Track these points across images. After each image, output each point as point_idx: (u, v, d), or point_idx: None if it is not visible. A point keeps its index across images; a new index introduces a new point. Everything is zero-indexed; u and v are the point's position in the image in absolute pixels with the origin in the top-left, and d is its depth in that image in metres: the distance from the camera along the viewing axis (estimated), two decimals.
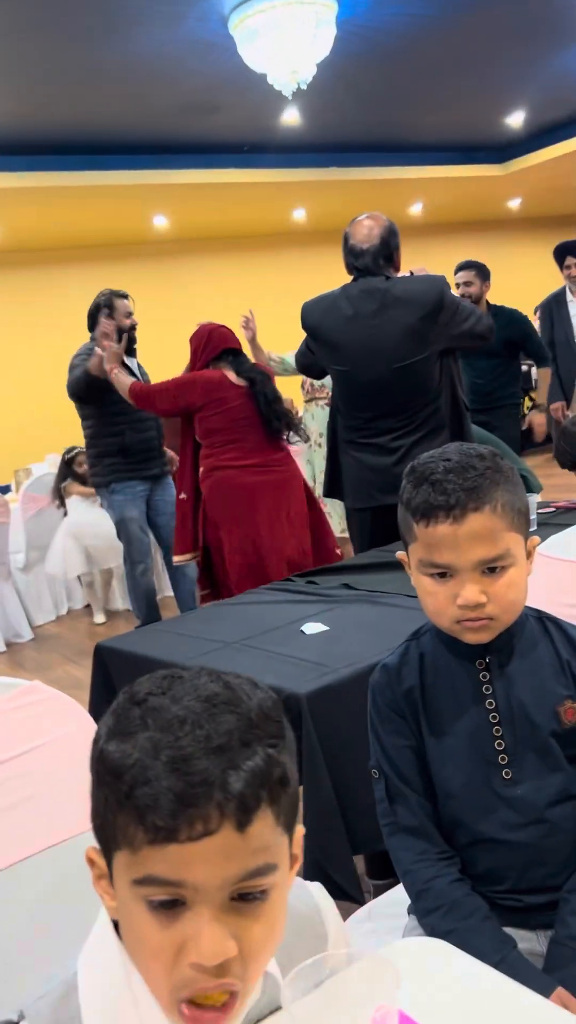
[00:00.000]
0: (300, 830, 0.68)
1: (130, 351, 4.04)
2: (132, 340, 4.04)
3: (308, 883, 0.83)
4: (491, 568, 1.08)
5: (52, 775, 1.19)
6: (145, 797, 0.60)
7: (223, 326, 3.50)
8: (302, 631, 1.96)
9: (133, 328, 4.07)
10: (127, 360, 4.00)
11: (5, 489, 6.34)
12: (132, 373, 3.93)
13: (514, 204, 10.87)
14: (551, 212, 12.08)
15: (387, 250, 2.74)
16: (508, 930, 1.10)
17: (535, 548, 1.16)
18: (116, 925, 0.71)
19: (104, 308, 4.04)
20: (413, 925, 1.18)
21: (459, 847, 1.15)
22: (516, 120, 8.04)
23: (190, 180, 7.28)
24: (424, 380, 2.72)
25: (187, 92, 5.84)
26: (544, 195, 10.57)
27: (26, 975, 1.03)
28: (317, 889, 0.84)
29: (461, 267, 4.49)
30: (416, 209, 10.03)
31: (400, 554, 1.20)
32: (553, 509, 2.73)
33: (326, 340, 2.78)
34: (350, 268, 2.76)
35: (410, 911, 1.22)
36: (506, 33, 5.76)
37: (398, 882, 1.95)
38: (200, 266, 9.50)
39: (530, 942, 1.12)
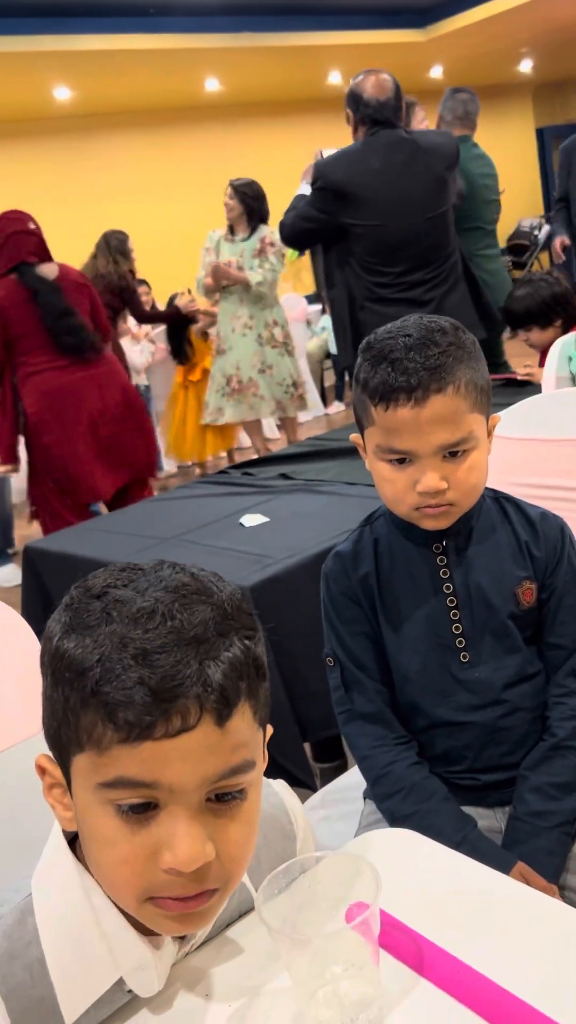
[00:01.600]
0: (269, 729, 0.64)
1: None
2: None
3: (272, 781, 0.79)
4: (452, 452, 1.02)
5: None
6: (115, 692, 0.55)
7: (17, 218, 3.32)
8: (241, 523, 1.91)
9: None
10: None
11: None
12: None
13: (436, 73, 10.44)
14: (475, 81, 11.65)
15: (399, 103, 2.80)
16: (467, 809, 1.10)
17: (495, 427, 1.10)
18: (70, 840, 0.67)
19: None
20: (371, 810, 1.17)
21: (416, 730, 1.14)
22: None
23: (92, 46, 6.73)
24: (448, 230, 2.87)
25: None
26: (467, 63, 10.17)
27: None
28: (281, 787, 0.80)
29: None
30: (334, 79, 9.55)
31: (354, 436, 1.14)
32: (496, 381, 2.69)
33: (354, 194, 2.72)
34: (366, 120, 2.77)
35: (366, 796, 1.21)
36: None
37: (345, 765, 1.99)
38: (108, 141, 8.91)
39: (488, 819, 1.13)
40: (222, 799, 0.59)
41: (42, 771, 0.64)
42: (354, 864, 0.65)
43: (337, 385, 7.38)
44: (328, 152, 3.03)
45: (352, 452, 2.25)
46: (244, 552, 1.68)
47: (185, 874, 0.56)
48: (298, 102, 10.05)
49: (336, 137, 4.89)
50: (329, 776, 1.62)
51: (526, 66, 11.56)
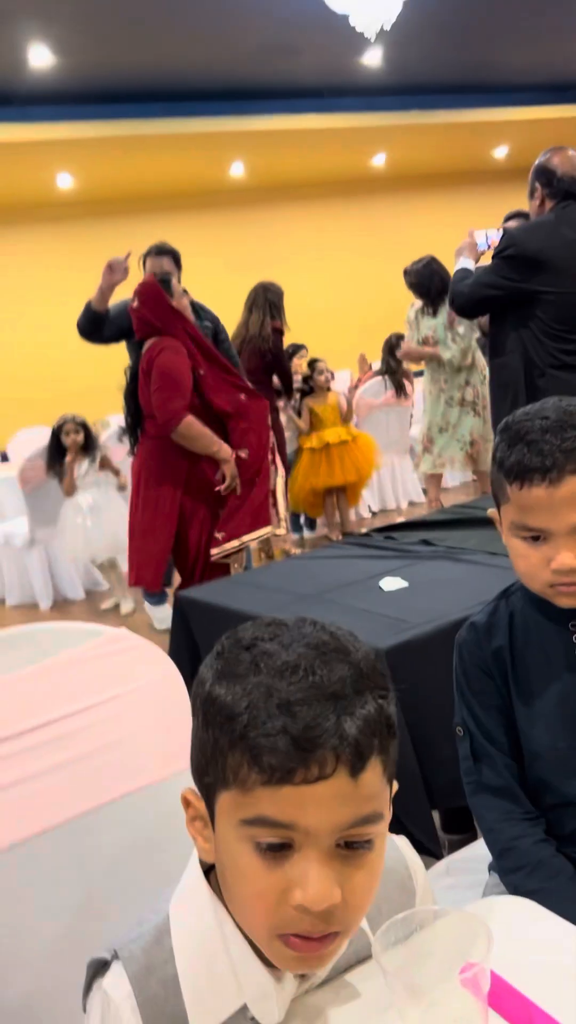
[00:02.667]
0: (395, 785, 0.68)
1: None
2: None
3: (395, 836, 0.83)
4: None
5: (136, 722, 1.21)
6: (261, 738, 0.60)
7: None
8: (380, 586, 1.95)
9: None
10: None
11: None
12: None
13: None
14: None
15: None
16: None
17: None
18: (205, 871, 0.72)
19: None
20: (494, 883, 1.17)
21: (545, 808, 1.14)
22: None
23: (268, 126, 7.15)
24: None
25: (267, 34, 5.71)
26: None
27: (108, 917, 1.05)
28: (404, 843, 0.83)
29: (510, 217, 4.26)
30: (500, 153, 9.67)
31: (492, 511, 1.17)
32: None
33: (548, 262, 2.85)
34: (557, 194, 2.89)
35: (491, 868, 1.21)
36: None
37: (474, 837, 1.96)
38: (276, 214, 9.36)
39: None
40: (351, 847, 0.63)
41: (187, 804, 0.70)
42: (471, 923, 0.67)
43: None
44: (480, 233, 3.12)
45: (493, 522, 2.27)
46: (382, 615, 1.72)
47: (313, 913, 0.61)
48: (462, 174, 10.22)
49: (498, 209, 4.96)
50: (456, 847, 1.61)
51: None
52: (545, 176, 2.89)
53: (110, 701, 1.20)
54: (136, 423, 3.33)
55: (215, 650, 0.68)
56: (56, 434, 4.51)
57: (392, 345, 6.55)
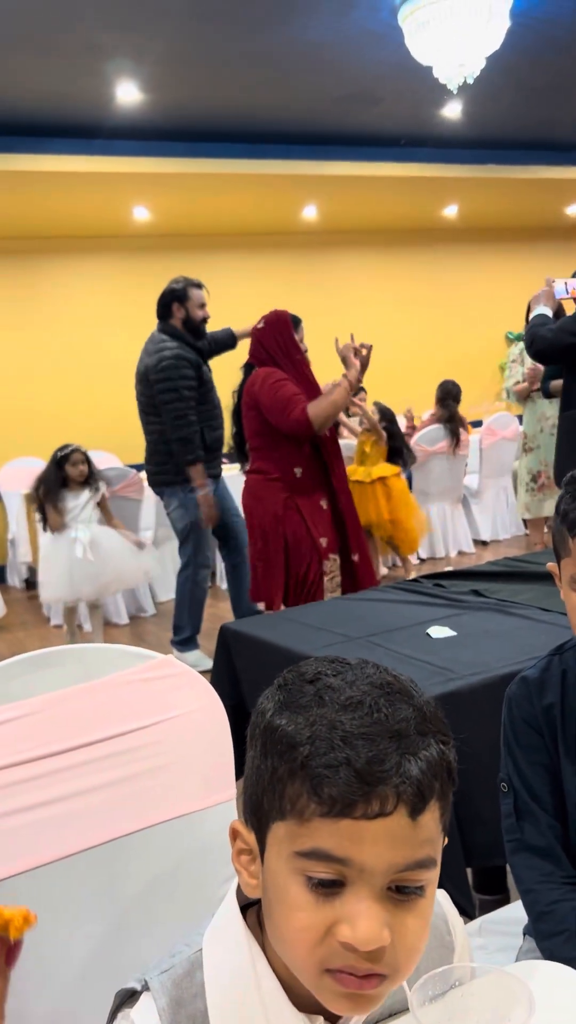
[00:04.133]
0: (445, 839, 0.67)
1: (198, 338, 4.10)
2: (198, 333, 4.11)
3: (437, 890, 0.81)
4: None
5: (178, 750, 1.21)
6: (323, 768, 0.60)
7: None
8: (427, 634, 1.93)
9: (205, 321, 4.12)
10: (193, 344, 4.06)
11: (139, 467, 6.52)
12: (201, 362, 4.03)
13: None
14: None
15: None
16: None
17: None
18: (243, 905, 0.72)
19: (178, 297, 4.06)
20: (529, 947, 1.14)
21: None
22: None
23: (344, 172, 7.26)
24: None
25: (349, 83, 5.82)
26: None
27: (137, 944, 1.05)
28: (444, 897, 0.82)
29: None
30: (572, 211, 9.68)
31: (551, 565, 1.16)
32: None
33: None
34: None
35: (526, 932, 1.18)
36: None
37: (505, 899, 1.91)
38: (346, 259, 9.47)
39: None
40: (402, 891, 0.62)
41: (234, 836, 0.70)
42: (513, 985, 0.66)
43: None
44: (559, 282, 3.12)
45: (548, 578, 2.23)
46: (428, 663, 1.71)
47: (360, 952, 0.60)
48: (533, 230, 10.25)
49: (567, 265, 4.96)
50: (488, 908, 1.57)
51: None
52: None
53: (154, 726, 1.20)
54: (239, 446, 3.42)
55: (276, 682, 0.68)
56: (60, 463, 4.31)
57: (450, 392, 6.56)
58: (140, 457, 4.40)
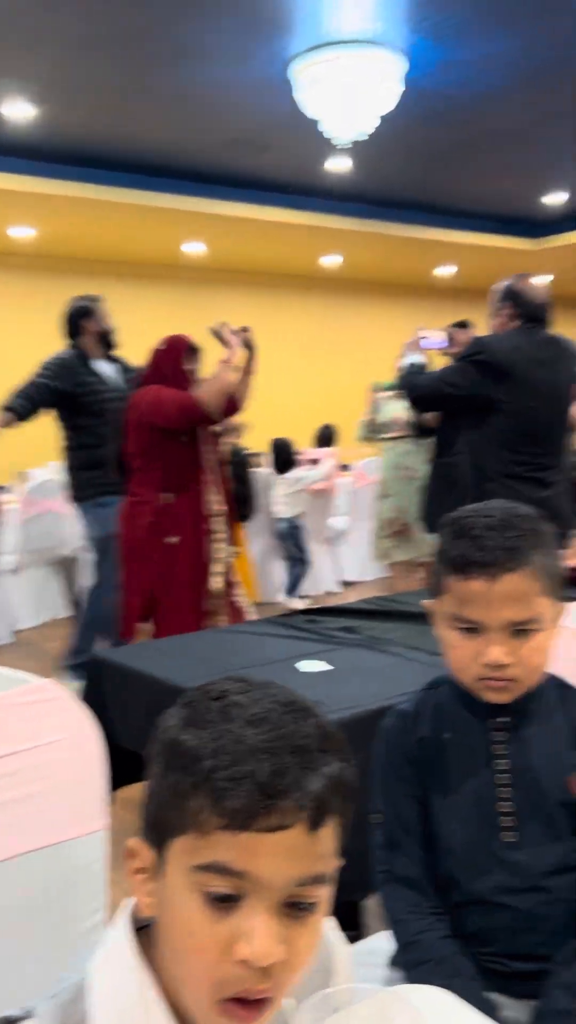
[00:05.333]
0: (340, 861, 0.68)
1: (109, 353, 4.09)
2: (111, 344, 4.10)
3: None
4: (520, 630, 1.08)
5: (51, 777, 1.18)
6: (226, 781, 0.61)
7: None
8: (297, 667, 1.95)
9: (111, 332, 4.11)
10: (103, 363, 4.05)
11: (3, 489, 6.31)
12: (104, 376, 4.01)
13: (545, 279, 11.05)
14: None
15: (549, 307, 3.17)
16: (491, 995, 1.09)
17: (563, 615, 1.16)
18: (138, 927, 0.70)
19: (85, 313, 4.06)
20: (396, 977, 1.16)
21: (452, 905, 1.14)
22: (556, 200, 8.22)
23: (231, 212, 7.39)
24: (570, 428, 3.23)
25: (241, 128, 5.96)
26: (572, 274, 10.76)
27: (5, 975, 1.00)
28: (327, 921, 0.82)
29: (463, 324, 4.49)
30: (448, 271, 10.20)
31: (427, 602, 1.20)
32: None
33: (515, 375, 2.99)
34: (523, 316, 3.07)
35: (392, 963, 1.20)
36: (556, 117, 5.92)
37: (359, 937, 1.92)
38: (233, 297, 9.59)
39: (511, 1010, 1.10)
40: (297, 907, 0.63)
41: (131, 855, 0.68)
42: (396, 1004, 0.67)
43: None
44: (427, 331, 3.29)
45: (417, 617, 2.32)
46: None
47: (255, 969, 0.60)
48: (411, 287, 10.71)
49: (439, 322, 5.20)
50: None
51: None
52: (514, 298, 3.08)
53: (25, 752, 1.16)
54: (120, 465, 3.41)
55: (180, 700, 0.68)
56: None
57: (324, 435, 6.69)
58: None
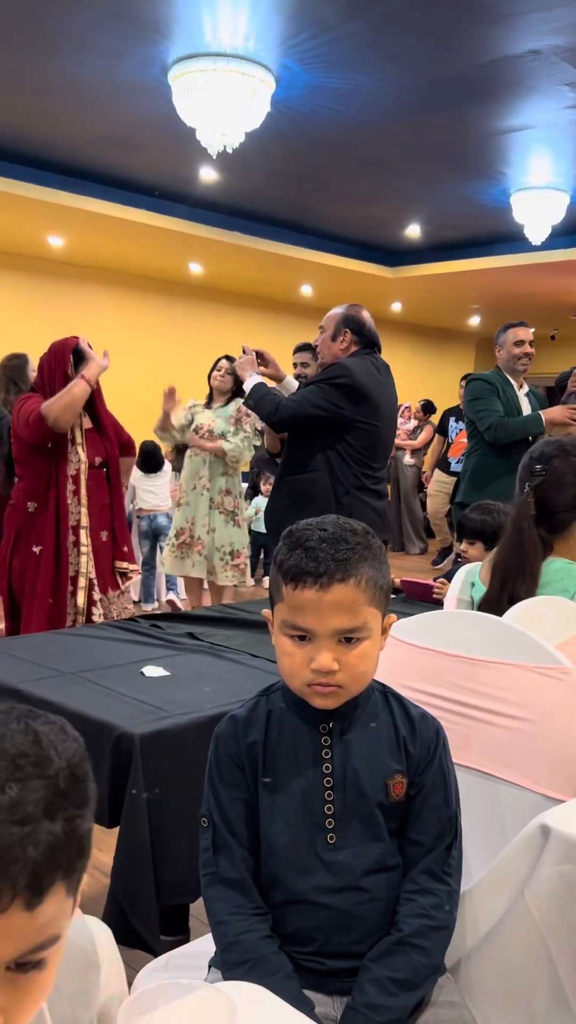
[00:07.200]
0: (85, 880, 0.65)
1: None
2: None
3: (87, 917, 0.80)
4: (348, 638, 1.13)
5: None
6: None
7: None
8: (142, 672, 1.95)
9: None
10: None
11: None
12: None
13: (396, 307, 11.49)
14: (428, 322, 12.86)
15: None
16: (307, 992, 1.13)
17: (391, 626, 1.23)
18: None
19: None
20: (215, 978, 1.18)
21: (273, 905, 1.18)
22: (413, 231, 8.58)
23: (92, 208, 7.26)
24: None
25: (113, 126, 5.88)
26: (424, 304, 11.25)
27: None
28: (94, 922, 0.81)
29: (300, 348, 4.59)
30: (306, 290, 10.42)
31: (266, 611, 1.24)
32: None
33: (369, 397, 3.19)
34: (363, 342, 3.31)
35: (212, 964, 1.22)
36: (419, 152, 6.19)
37: (186, 940, 1.94)
38: (92, 294, 9.42)
39: (326, 1006, 1.15)
40: (22, 968, 0.59)
41: None
42: (217, 999, 0.69)
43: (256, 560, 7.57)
44: (246, 349, 3.44)
45: (259, 626, 2.37)
46: (141, 701, 1.73)
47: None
48: (273, 301, 10.87)
49: (294, 338, 5.32)
50: (170, 948, 1.60)
51: (475, 320, 12.82)
52: (356, 325, 3.30)
53: None
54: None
55: None
56: None
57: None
58: None
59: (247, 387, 3.32)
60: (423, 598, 3.01)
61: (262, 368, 3.45)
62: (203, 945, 1.32)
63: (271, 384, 3.42)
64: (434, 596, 2.96)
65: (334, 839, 1.17)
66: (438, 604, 2.81)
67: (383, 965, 1.12)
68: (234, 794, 1.20)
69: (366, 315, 3.36)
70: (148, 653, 2.09)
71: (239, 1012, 0.67)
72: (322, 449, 3.21)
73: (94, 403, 3.30)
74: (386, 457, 3.41)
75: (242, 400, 4.63)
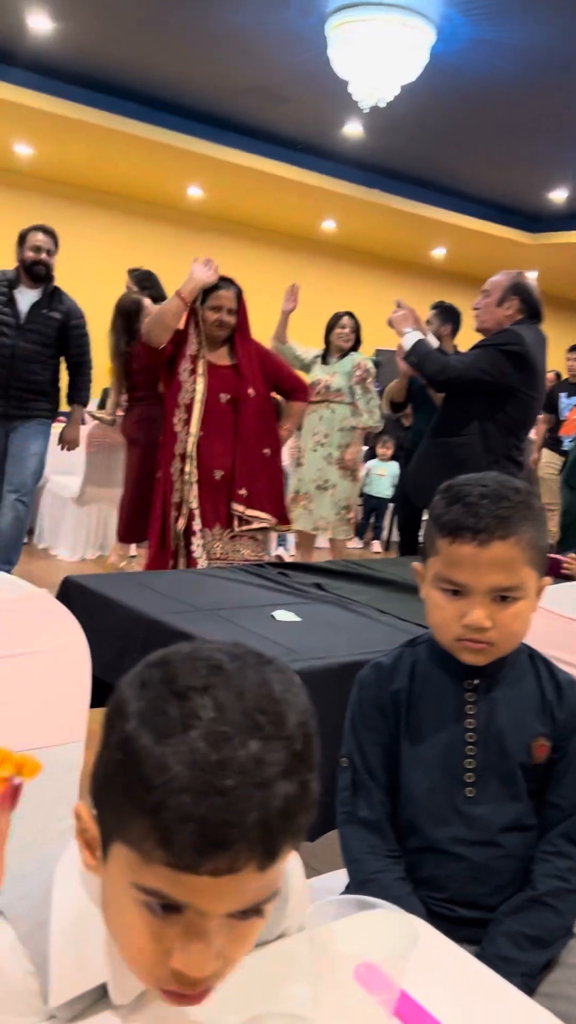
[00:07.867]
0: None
1: (36, 280, 4.16)
2: (35, 275, 4.14)
3: None
4: (503, 596, 1.13)
5: (31, 685, 1.20)
6: (175, 823, 0.56)
7: None
8: (273, 616, 1.99)
9: (36, 264, 4.13)
10: (28, 291, 4.12)
11: None
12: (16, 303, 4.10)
13: (532, 275, 11.11)
14: (568, 293, 12.39)
15: None
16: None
17: (544, 588, 1.21)
18: None
19: (20, 239, 4.16)
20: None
21: (409, 850, 1.20)
22: (559, 196, 8.25)
23: (232, 160, 7.28)
24: None
25: (264, 76, 5.86)
26: (565, 274, 10.83)
27: None
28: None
29: (433, 307, 4.63)
30: (438, 252, 10.19)
31: (416, 564, 1.24)
32: None
33: (535, 368, 3.19)
34: (530, 311, 3.24)
35: None
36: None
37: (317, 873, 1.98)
38: (232, 248, 9.48)
39: None
40: (244, 916, 0.61)
41: (79, 818, 0.66)
42: (398, 921, 0.70)
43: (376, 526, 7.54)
44: (401, 303, 3.37)
45: (386, 584, 2.37)
46: (276, 643, 1.76)
47: (189, 977, 0.60)
48: (401, 263, 10.68)
49: (424, 300, 5.21)
50: None
51: None
52: (525, 293, 3.24)
53: (16, 657, 1.18)
54: None
55: (140, 676, 0.62)
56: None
57: None
58: None
59: (407, 343, 3.28)
60: (551, 573, 2.95)
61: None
62: (331, 880, 1.36)
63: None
64: (563, 571, 2.90)
65: (473, 793, 1.17)
66: (568, 579, 2.75)
67: (516, 920, 1.13)
68: (374, 738, 1.22)
69: (534, 284, 3.31)
70: (278, 599, 2.13)
71: (416, 933, 0.69)
72: (478, 415, 3.21)
73: (233, 342, 3.32)
74: (531, 430, 3.41)
75: (357, 356, 4.63)
